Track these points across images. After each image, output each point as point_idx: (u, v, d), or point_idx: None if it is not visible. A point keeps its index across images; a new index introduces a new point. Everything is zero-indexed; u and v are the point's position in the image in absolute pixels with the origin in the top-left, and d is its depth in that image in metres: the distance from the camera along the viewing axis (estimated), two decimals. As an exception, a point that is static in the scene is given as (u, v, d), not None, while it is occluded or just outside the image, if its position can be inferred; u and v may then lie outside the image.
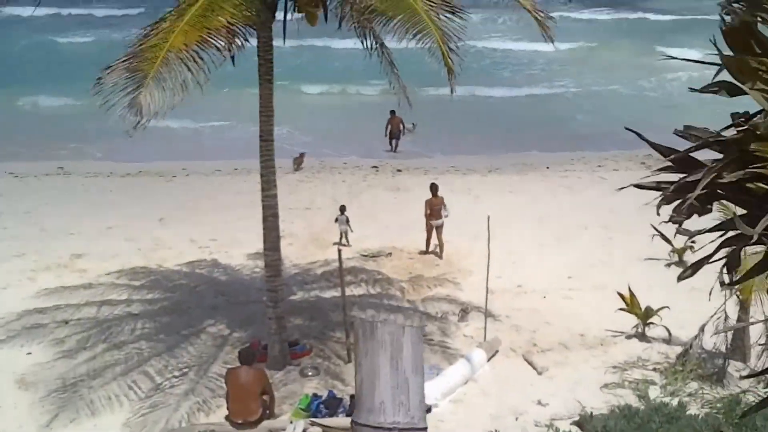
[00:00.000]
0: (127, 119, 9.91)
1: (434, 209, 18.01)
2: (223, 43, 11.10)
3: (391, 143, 28.80)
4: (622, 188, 4.35)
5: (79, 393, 11.89)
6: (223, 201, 22.20)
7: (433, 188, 18.35)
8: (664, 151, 3.77)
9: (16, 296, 15.66)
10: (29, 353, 13.30)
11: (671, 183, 3.64)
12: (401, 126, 28.42)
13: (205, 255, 18.41)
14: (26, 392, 11.99)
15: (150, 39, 10.64)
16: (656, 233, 16.13)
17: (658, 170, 3.85)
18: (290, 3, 12.11)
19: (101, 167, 26.27)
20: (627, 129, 4.35)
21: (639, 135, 4.10)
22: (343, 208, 18.87)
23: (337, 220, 18.84)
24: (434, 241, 18.21)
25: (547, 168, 25.94)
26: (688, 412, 5.00)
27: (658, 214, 3.78)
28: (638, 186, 3.97)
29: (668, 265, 17.26)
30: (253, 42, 12.10)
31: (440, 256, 18.09)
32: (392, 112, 27.30)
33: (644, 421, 4.60)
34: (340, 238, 18.81)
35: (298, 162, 26.19)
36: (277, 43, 12.33)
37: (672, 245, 17.09)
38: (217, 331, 14.21)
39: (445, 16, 11.06)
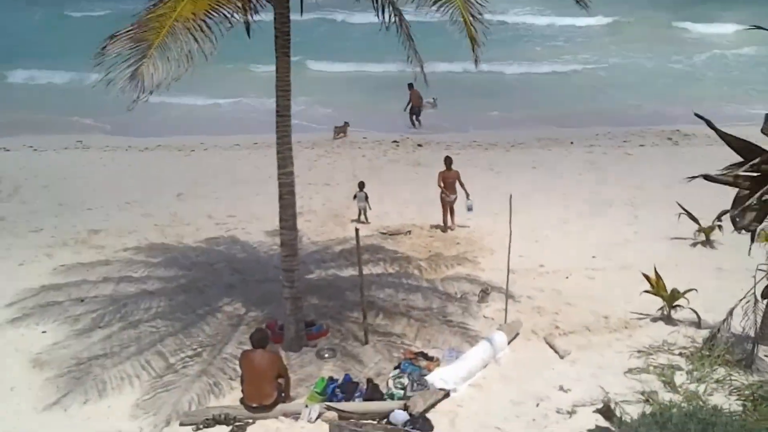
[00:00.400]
0: (128, 92, 9.56)
1: (448, 183, 17.84)
2: (233, 13, 10.76)
3: (412, 119, 28.32)
4: (693, 178, 3.99)
5: (93, 373, 11.70)
6: (242, 176, 22.00)
7: (447, 161, 18.14)
8: (731, 141, 3.49)
9: (33, 273, 15.57)
10: (44, 332, 13.15)
11: (746, 177, 3.36)
12: (421, 99, 27.95)
13: (223, 231, 18.22)
14: (40, 371, 11.81)
15: (158, 8, 10.30)
16: (683, 212, 15.76)
17: (728, 167, 3.56)
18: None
19: (120, 141, 26.19)
20: (696, 115, 3.98)
21: (708, 123, 3.80)
22: (361, 185, 18.55)
23: (355, 196, 18.53)
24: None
25: (572, 143, 25.45)
26: (723, 418, 4.66)
27: (735, 228, 3.46)
28: (708, 178, 3.64)
29: (694, 244, 16.86)
30: (266, 16, 11.75)
31: (452, 229, 18.03)
32: (410, 85, 26.87)
33: (679, 429, 4.29)
34: (359, 215, 18.53)
35: (340, 130, 26.20)
36: (293, 16, 11.95)
37: (699, 224, 16.83)
38: (233, 310, 13.99)
39: None
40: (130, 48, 9.95)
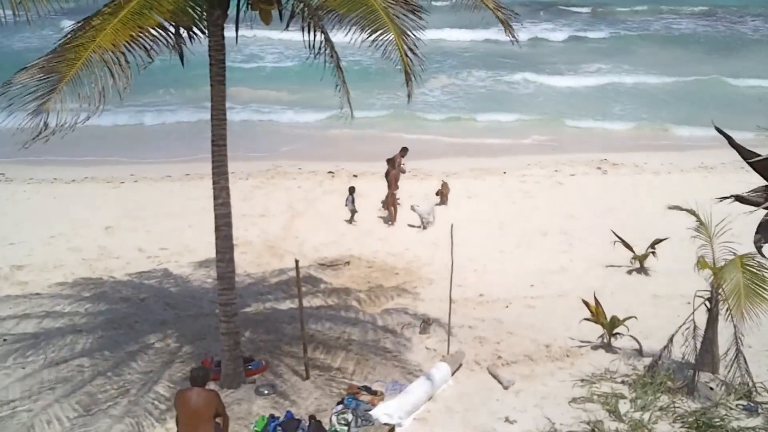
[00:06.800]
0: (29, 128, 8.90)
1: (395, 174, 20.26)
2: (155, 43, 10.41)
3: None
4: (724, 198, 3.96)
5: (17, 417, 11.04)
6: (174, 208, 21.36)
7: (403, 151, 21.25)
8: (747, 154, 3.44)
9: (-50, 311, 14.70)
10: (-37, 374, 12.39)
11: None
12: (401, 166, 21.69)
13: (154, 265, 17.61)
14: (-41, 417, 11.10)
15: (77, 37, 9.80)
16: (618, 239, 15.92)
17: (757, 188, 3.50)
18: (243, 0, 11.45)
19: (45, 173, 25.16)
20: (717, 128, 3.96)
21: (727, 137, 3.77)
22: (352, 189, 20.04)
23: (347, 201, 19.89)
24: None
25: (505, 173, 25.62)
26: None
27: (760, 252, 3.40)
28: (740, 199, 3.61)
29: (629, 272, 17.07)
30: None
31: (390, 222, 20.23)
32: (404, 150, 21.93)
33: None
34: (351, 218, 20.05)
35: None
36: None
37: (633, 252, 17.08)
38: (165, 347, 13.44)
39: (404, 15, 10.54)
40: (38, 80, 9.36)
